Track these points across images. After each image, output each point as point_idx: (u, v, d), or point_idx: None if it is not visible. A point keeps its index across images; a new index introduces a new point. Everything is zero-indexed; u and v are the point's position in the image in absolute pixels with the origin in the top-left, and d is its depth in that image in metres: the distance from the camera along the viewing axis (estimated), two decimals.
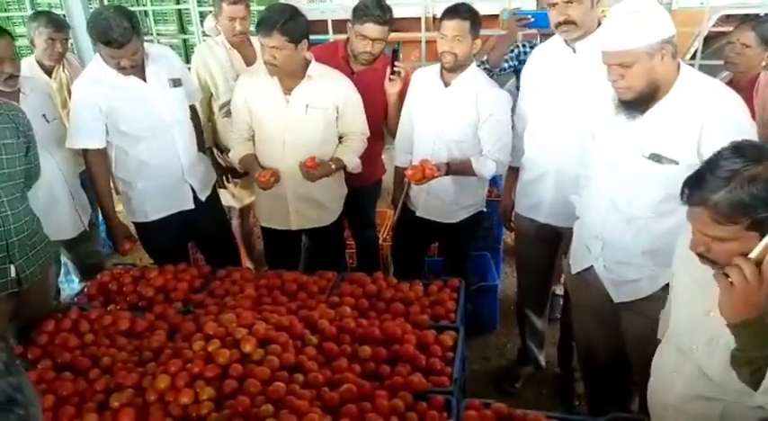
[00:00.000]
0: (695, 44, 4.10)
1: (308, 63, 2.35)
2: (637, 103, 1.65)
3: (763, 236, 1.08)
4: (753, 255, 1.07)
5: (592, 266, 1.93)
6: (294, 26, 2.20)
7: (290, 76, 2.33)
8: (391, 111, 2.57)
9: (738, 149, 1.13)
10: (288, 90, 2.35)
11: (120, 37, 2.11)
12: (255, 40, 3.03)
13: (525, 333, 2.65)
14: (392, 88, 2.47)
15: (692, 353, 1.34)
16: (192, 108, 2.60)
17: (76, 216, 2.53)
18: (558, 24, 2.01)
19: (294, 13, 2.24)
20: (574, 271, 2.02)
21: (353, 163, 2.47)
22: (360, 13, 2.38)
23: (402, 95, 2.50)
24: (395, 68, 2.44)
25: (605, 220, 1.82)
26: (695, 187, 1.15)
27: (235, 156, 2.53)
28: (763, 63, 2.45)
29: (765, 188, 1.06)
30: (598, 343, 2.08)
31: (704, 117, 1.57)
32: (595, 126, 1.90)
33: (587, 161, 1.96)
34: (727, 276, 1.08)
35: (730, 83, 2.49)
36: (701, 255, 1.19)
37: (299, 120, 2.37)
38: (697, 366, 1.33)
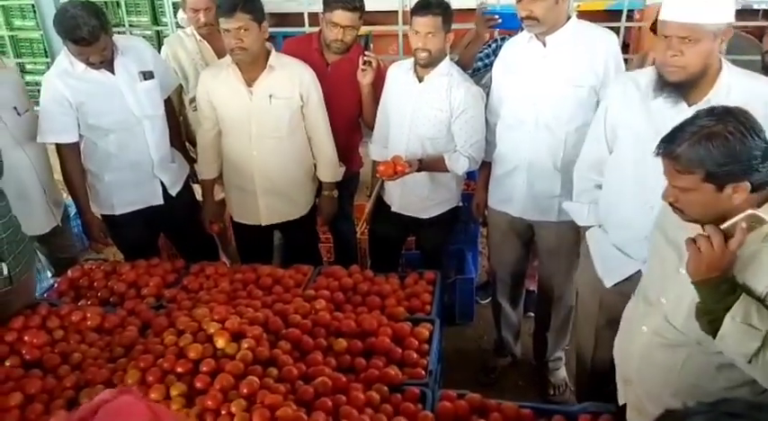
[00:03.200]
0: None
1: (268, 53, 2.33)
2: (682, 87, 1.56)
3: (719, 189, 1.21)
4: (723, 226, 1.22)
5: (638, 271, 1.77)
6: (255, 5, 2.20)
7: (252, 66, 2.30)
8: (366, 102, 2.56)
9: (712, 111, 1.25)
10: (250, 81, 2.33)
11: (88, 35, 2.07)
12: None
13: (501, 325, 2.66)
14: (364, 79, 2.46)
15: (660, 305, 1.43)
16: (168, 101, 2.55)
17: (49, 211, 2.47)
18: (522, 19, 2.01)
19: None
20: (610, 283, 1.87)
21: (338, 175, 2.60)
22: (329, 1, 2.37)
23: (376, 86, 2.49)
24: (365, 58, 2.43)
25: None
26: (667, 141, 1.26)
27: (200, 173, 2.60)
28: None
29: (718, 145, 1.18)
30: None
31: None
32: (614, 125, 1.80)
33: (600, 167, 1.87)
34: (695, 242, 1.23)
35: None
36: (672, 205, 1.31)
37: (263, 112, 2.35)
38: (663, 316, 1.42)
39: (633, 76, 1.77)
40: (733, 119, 1.20)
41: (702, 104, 1.54)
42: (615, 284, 1.87)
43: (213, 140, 2.49)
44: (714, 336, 1.23)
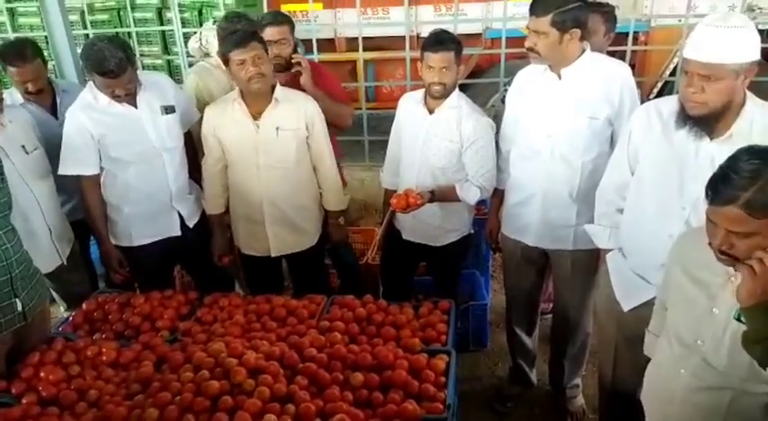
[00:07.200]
0: (674, 60, 4.21)
1: (273, 86, 2.37)
2: (705, 121, 1.58)
3: None
4: None
5: (655, 297, 1.75)
6: (262, 37, 2.29)
7: (259, 100, 2.33)
8: (322, 105, 2.48)
9: (752, 150, 1.22)
10: (257, 115, 2.35)
11: (115, 67, 2.13)
12: None
13: (516, 352, 2.64)
14: (304, 80, 2.53)
15: (698, 347, 1.41)
16: (188, 134, 2.57)
17: (54, 250, 2.45)
18: (527, 49, 2.04)
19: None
20: (627, 308, 1.89)
21: (343, 203, 2.63)
22: (259, 23, 2.53)
23: (320, 83, 2.53)
24: (293, 60, 2.52)
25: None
26: (723, 186, 1.20)
27: (206, 208, 2.59)
28: None
29: None
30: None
31: None
32: (636, 152, 1.81)
33: (622, 191, 1.89)
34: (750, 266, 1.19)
35: None
36: (722, 253, 1.25)
37: (270, 144, 2.37)
38: (702, 359, 1.40)
39: (657, 104, 1.78)
40: None
41: (725, 138, 1.57)
42: (632, 308, 1.88)
43: (219, 174, 2.50)
44: (765, 366, 1.21)
